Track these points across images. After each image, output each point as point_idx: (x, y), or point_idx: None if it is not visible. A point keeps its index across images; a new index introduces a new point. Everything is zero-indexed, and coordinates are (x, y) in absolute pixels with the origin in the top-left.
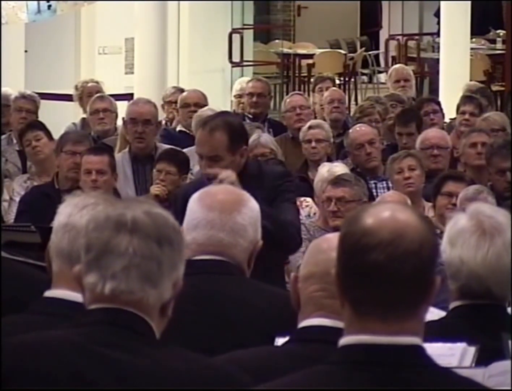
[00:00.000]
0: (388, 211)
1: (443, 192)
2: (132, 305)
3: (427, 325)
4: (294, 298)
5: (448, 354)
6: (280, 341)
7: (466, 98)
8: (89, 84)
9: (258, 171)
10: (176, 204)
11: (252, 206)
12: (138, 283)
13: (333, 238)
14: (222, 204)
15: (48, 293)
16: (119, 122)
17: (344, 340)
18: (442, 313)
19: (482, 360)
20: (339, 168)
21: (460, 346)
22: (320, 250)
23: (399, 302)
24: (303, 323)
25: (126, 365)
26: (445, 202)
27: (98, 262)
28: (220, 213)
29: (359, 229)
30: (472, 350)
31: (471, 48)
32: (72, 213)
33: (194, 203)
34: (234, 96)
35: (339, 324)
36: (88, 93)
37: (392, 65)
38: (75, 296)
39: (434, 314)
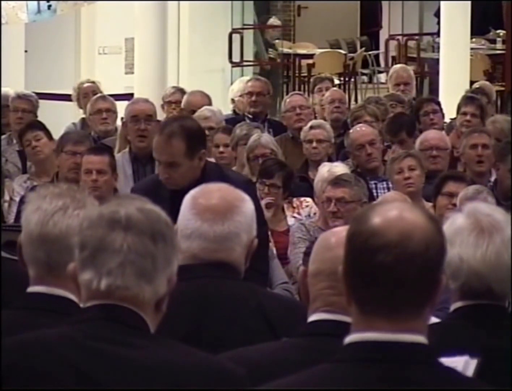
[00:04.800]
0: (396, 211)
1: (443, 193)
2: (127, 301)
3: (428, 327)
4: (303, 292)
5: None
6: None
7: (468, 99)
8: (85, 85)
9: (219, 176)
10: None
11: (246, 208)
12: (134, 279)
13: (341, 232)
14: (215, 213)
15: (30, 289)
16: (119, 122)
17: (349, 338)
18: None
19: (484, 361)
20: (340, 168)
21: (462, 359)
22: (328, 246)
23: (405, 303)
24: (312, 318)
25: (123, 359)
26: (445, 202)
27: (93, 259)
28: (213, 223)
29: (367, 229)
30: (474, 362)
31: (471, 48)
32: (44, 221)
33: (186, 208)
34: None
35: (346, 319)
36: (83, 93)
37: (392, 65)
38: (58, 291)
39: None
